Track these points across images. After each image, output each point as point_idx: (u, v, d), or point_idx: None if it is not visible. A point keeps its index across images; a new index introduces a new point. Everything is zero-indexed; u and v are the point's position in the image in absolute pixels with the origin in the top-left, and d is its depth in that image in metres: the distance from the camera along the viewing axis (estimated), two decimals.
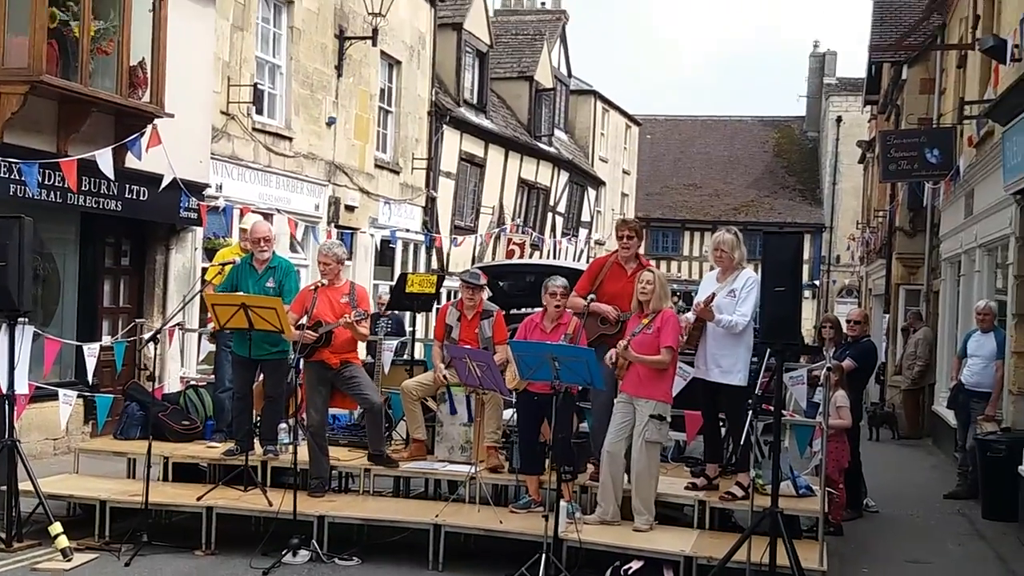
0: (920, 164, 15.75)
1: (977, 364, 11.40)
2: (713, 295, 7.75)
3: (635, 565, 7.35)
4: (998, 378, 11.02)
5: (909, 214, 20.39)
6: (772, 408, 7.15)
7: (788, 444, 7.52)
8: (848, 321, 10.85)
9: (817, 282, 40.82)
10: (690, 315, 8.04)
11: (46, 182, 10.75)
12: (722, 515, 8.26)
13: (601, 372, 7.55)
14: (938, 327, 17.18)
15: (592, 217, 33.57)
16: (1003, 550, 9.01)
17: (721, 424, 8.29)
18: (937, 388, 16.59)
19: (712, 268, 8.32)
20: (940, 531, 9.88)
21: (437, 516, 8.04)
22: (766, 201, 43.59)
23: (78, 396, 9.85)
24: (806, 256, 35.86)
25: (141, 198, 12.35)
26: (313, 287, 8.79)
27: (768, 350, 7.07)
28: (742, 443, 7.33)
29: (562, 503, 7.48)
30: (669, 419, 7.96)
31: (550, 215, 29.58)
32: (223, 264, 9.63)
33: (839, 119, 41.86)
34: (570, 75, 32.91)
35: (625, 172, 38.25)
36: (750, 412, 7.07)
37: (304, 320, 8.42)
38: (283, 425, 9.10)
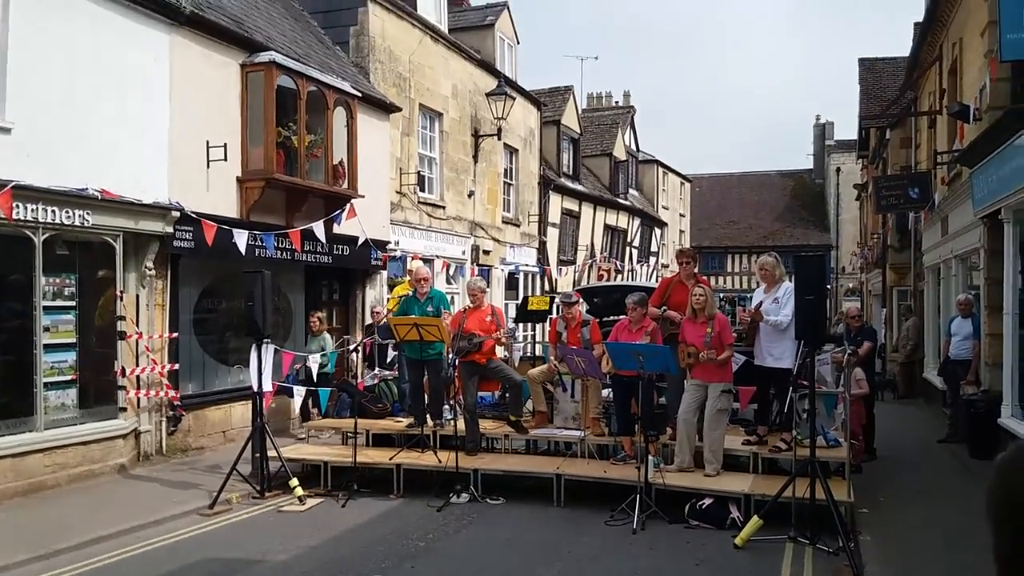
0: (904, 199, 15.34)
1: (958, 340, 10.89)
2: (760, 303, 7.55)
3: (707, 501, 7.10)
4: (976, 353, 10.52)
5: (898, 235, 19.76)
6: (806, 383, 6.78)
7: (818, 408, 7.11)
8: (852, 316, 10.33)
9: (829, 286, 39.44)
10: (745, 316, 7.79)
11: (279, 246, 11.02)
12: (770, 463, 7.86)
13: (675, 361, 7.33)
14: (923, 316, 16.31)
15: (658, 248, 32.95)
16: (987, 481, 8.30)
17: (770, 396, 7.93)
18: (926, 361, 15.77)
19: (759, 285, 7.97)
20: (936, 467, 9.19)
21: (558, 468, 7.90)
22: (787, 230, 42.11)
23: (306, 390, 10.06)
24: None
25: (344, 253, 12.57)
26: (463, 309, 8.81)
27: (802, 341, 6.74)
28: (785, 410, 7.00)
29: (650, 457, 7.33)
30: (733, 392, 7.74)
31: (628, 248, 29.15)
32: (399, 296, 9.71)
33: (838, 169, 40.90)
34: (638, 150, 32.68)
35: (681, 215, 37.46)
36: (791, 387, 6.77)
37: (459, 332, 8.42)
38: (446, 406, 9.11)
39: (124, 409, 8.99)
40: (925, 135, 16.32)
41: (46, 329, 8.19)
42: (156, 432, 9.57)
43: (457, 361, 8.47)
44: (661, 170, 34.14)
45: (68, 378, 8.51)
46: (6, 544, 6.24)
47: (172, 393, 9.61)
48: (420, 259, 13.94)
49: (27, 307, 8.05)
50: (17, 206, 7.50)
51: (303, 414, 10.45)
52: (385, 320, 11.09)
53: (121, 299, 8.95)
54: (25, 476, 7.79)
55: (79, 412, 8.61)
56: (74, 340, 8.56)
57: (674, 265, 8.40)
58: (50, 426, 8.15)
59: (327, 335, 10.87)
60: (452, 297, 15.05)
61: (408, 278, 11.75)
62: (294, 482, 7.90)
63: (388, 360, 10.86)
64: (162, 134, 9.44)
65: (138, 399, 9.21)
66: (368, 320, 13.17)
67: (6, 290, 7.94)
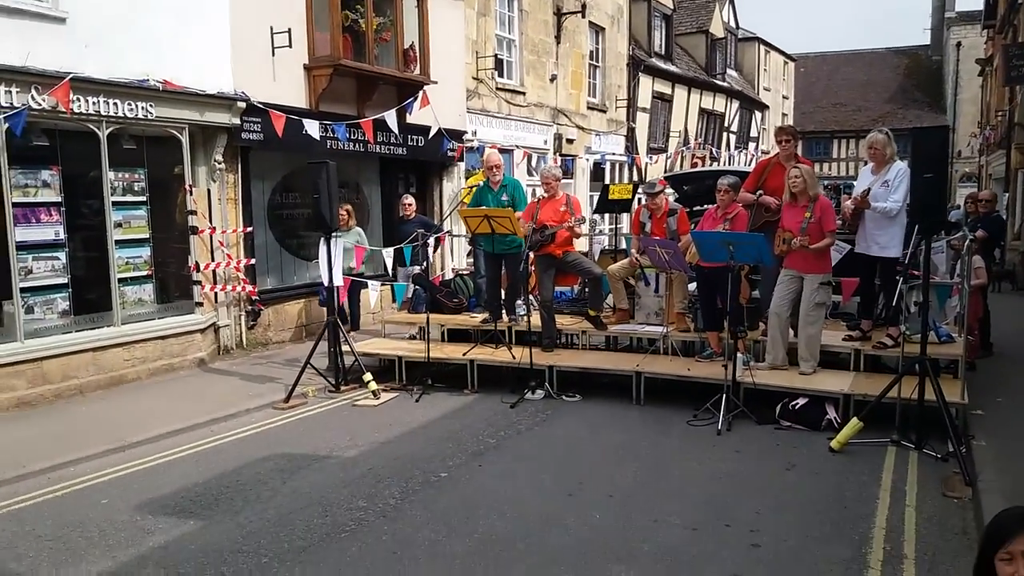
0: None
1: None
2: (868, 189, 6.68)
3: (801, 401, 6.57)
4: None
5: None
6: (918, 273, 6.06)
7: (930, 301, 6.39)
8: (980, 200, 9.23)
9: None
10: (849, 204, 6.97)
11: (352, 136, 10.71)
12: (874, 361, 7.21)
13: (769, 251, 6.69)
14: None
15: (759, 134, 31.05)
16: None
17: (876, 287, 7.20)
18: None
19: (866, 164, 7.10)
20: None
21: (638, 365, 7.52)
22: (899, 112, 38.77)
23: (382, 284, 9.92)
24: None
25: (419, 145, 12.18)
26: (537, 200, 8.35)
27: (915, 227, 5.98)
28: (893, 303, 6.32)
29: (738, 354, 6.84)
30: (832, 284, 7.10)
31: (725, 134, 27.56)
32: (471, 187, 9.28)
33: (959, 44, 36.95)
34: (738, 27, 30.36)
35: (784, 97, 35.00)
36: (900, 277, 6.08)
37: (532, 224, 8.00)
38: (520, 300, 8.78)
39: (200, 304, 9.10)
40: None
41: (118, 225, 8.24)
42: (235, 326, 9.71)
43: (532, 255, 8.07)
44: (763, 48, 31.76)
45: (144, 273, 8.61)
46: (84, 435, 6.43)
47: (249, 288, 9.66)
48: (497, 148, 13.38)
49: (98, 203, 8.09)
50: (77, 99, 7.38)
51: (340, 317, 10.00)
52: (416, 215, 10.62)
53: (191, 193, 8.90)
54: (106, 370, 8.02)
55: (156, 307, 8.76)
56: (147, 236, 8.61)
57: (775, 150, 7.59)
58: (128, 321, 8.32)
59: (359, 229, 10.51)
60: (532, 190, 14.51)
61: (481, 168, 11.26)
62: (368, 376, 7.83)
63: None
64: (223, 21, 9.09)
65: (215, 294, 9.29)
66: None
67: (77, 186, 7.96)
